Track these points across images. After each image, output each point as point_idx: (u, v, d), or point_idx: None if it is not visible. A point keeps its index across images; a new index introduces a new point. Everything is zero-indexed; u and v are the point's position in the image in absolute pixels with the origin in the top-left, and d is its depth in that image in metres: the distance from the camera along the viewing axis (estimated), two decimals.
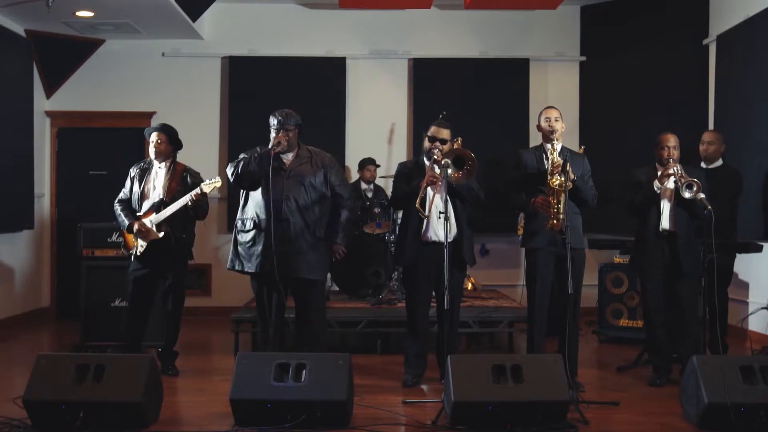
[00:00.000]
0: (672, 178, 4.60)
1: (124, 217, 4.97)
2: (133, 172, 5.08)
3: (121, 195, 5.08)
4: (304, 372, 3.75)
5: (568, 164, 4.38)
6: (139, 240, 4.90)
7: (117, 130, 7.64)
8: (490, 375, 3.72)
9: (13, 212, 6.84)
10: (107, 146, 7.59)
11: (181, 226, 4.96)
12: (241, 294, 7.12)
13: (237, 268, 4.61)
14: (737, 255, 5.62)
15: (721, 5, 6.82)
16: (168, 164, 5.01)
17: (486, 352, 5.80)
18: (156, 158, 4.99)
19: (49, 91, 7.72)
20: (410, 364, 4.74)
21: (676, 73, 7.22)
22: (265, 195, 4.44)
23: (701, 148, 5.57)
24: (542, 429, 3.62)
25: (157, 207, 4.89)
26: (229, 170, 4.55)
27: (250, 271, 4.54)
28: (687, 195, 4.44)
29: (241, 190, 4.65)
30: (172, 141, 5.03)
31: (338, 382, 3.72)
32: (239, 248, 4.59)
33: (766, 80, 5.90)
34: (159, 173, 5.01)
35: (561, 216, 4.40)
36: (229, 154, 7.64)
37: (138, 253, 4.93)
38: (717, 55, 6.78)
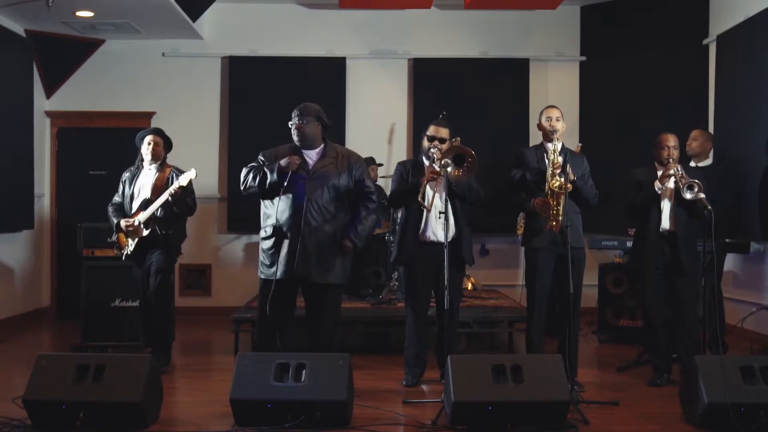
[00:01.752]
0: (672, 179, 4.61)
1: (113, 217, 5.13)
2: (125, 176, 5.23)
3: (115, 199, 5.22)
4: (304, 372, 3.75)
5: (568, 165, 4.38)
6: (129, 239, 5.05)
7: (117, 130, 7.64)
8: (490, 375, 3.72)
9: (13, 212, 6.84)
10: (107, 146, 7.59)
11: (168, 223, 5.04)
12: (241, 294, 7.13)
13: (262, 276, 4.40)
14: (738, 256, 5.63)
15: (721, 5, 6.82)
16: (157, 165, 5.13)
17: (486, 352, 5.80)
18: (152, 161, 5.11)
19: (49, 91, 7.72)
20: (410, 364, 4.74)
21: (676, 73, 7.21)
22: (284, 197, 4.27)
23: (686, 143, 5.59)
24: (542, 429, 3.63)
25: (144, 206, 5.01)
26: (243, 183, 4.41)
27: (272, 278, 4.31)
28: (688, 196, 4.44)
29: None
30: (166, 143, 5.17)
31: (338, 382, 3.72)
32: (261, 255, 4.42)
33: (766, 80, 5.89)
34: (149, 174, 5.13)
35: (560, 218, 4.41)
36: (229, 154, 7.65)
37: (129, 252, 5.06)
38: (717, 55, 6.78)
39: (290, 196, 4.28)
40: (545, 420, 3.65)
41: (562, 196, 4.38)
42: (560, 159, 4.47)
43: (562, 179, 4.37)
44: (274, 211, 4.34)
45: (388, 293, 6.32)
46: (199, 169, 5.17)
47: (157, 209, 4.94)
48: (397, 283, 6.28)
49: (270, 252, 4.35)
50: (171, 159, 5.30)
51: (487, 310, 5.95)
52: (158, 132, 5.17)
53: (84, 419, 3.63)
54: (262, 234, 4.44)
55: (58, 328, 7.12)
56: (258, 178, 4.32)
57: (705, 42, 6.98)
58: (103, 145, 7.65)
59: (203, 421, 3.88)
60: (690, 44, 7.11)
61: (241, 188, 4.43)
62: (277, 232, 4.32)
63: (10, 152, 6.78)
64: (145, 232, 4.96)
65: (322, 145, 4.46)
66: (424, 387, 4.66)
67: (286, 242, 4.29)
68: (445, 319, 4.43)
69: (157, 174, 5.09)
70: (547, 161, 4.61)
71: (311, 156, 4.42)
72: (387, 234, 6.47)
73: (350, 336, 6.08)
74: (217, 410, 4.00)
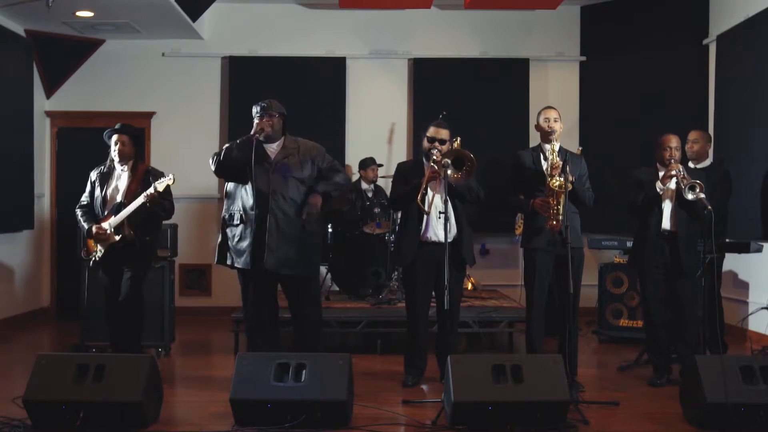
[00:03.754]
0: (674, 180, 4.61)
1: (84, 222, 4.86)
2: (94, 176, 4.97)
3: (83, 200, 4.96)
4: (304, 372, 3.75)
5: (567, 166, 4.39)
6: (98, 245, 4.80)
7: None
8: (490, 375, 3.72)
9: (13, 212, 6.84)
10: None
11: (146, 228, 4.82)
12: (240, 294, 7.12)
13: (228, 262, 4.49)
14: (738, 256, 5.64)
15: (721, 5, 6.82)
16: (130, 166, 4.91)
17: (486, 352, 5.80)
18: (120, 161, 4.88)
19: (49, 91, 7.72)
20: (410, 364, 4.74)
21: (676, 73, 7.21)
22: (250, 186, 4.32)
23: (686, 147, 5.59)
24: (542, 429, 3.62)
25: (116, 210, 4.76)
26: (212, 159, 4.43)
27: (238, 266, 4.44)
28: (690, 196, 4.44)
29: (227, 182, 4.54)
30: (134, 142, 4.95)
31: (338, 382, 3.72)
32: (228, 242, 4.47)
33: (766, 80, 5.89)
34: (122, 176, 4.89)
35: (560, 217, 4.42)
36: None
37: (97, 258, 4.82)
38: (717, 55, 6.78)
39: (256, 186, 4.31)
40: (545, 420, 3.65)
41: (562, 196, 4.39)
42: (559, 160, 4.48)
43: (562, 179, 4.38)
44: (240, 199, 4.40)
45: (388, 293, 6.32)
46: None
47: (130, 214, 4.68)
48: (397, 283, 6.28)
49: (236, 239, 4.40)
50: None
51: (487, 310, 5.95)
52: (124, 130, 4.90)
53: (84, 419, 3.62)
54: (227, 219, 4.45)
55: (58, 328, 7.12)
56: (231, 148, 4.37)
57: (705, 42, 6.98)
58: (103, 145, 7.59)
59: (203, 421, 3.88)
60: (690, 44, 7.11)
61: (213, 162, 4.40)
62: (244, 220, 4.37)
63: (10, 152, 6.78)
64: (116, 238, 4.71)
65: (282, 138, 4.51)
66: (424, 387, 4.66)
67: (250, 230, 4.33)
68: (445, 319, 4.43)
69: (131, 176, 4.85)
70: (544, 162, 4.62)
71: (271, 148, 4.45)
72: (387, 234, 6.47)
73: (350, 336, 6.09)
74: (217, 410, 4.00)
